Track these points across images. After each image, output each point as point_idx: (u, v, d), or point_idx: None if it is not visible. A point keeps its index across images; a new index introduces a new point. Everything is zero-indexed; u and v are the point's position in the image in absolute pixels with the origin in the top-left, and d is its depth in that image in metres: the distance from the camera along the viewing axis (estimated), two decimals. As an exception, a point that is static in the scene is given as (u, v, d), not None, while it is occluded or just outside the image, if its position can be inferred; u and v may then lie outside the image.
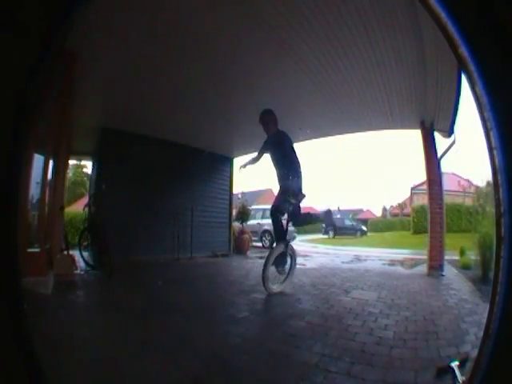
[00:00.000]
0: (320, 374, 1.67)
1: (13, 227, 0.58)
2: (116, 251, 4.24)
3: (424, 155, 5.19)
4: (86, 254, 4.85)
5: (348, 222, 17.11)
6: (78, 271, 4.31)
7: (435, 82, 3.82)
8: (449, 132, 4.92)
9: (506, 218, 0.49)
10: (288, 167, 3.76)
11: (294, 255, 3.89)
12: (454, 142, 4.95)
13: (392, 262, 6.80)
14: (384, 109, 4.92)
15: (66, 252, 4.16)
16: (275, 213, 3.90)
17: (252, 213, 9.33)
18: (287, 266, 3.77)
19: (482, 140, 0.52)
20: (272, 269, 3.58)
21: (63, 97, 3.43)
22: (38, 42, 0.56)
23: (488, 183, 5.39)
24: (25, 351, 0.57)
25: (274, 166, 3.88)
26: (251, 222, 9.11)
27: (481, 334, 0.52)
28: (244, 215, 8.43)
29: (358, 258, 7.63)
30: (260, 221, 9.79)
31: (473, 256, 4.72)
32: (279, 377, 1.70)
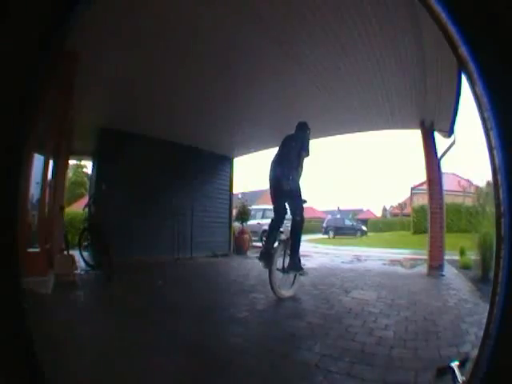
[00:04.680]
0: (320, 374, 1.67)
1: (13, 227, 0.58)
2: (116, 251, 4.24)
3: (424, 155, 5.19)
4: (85, 254, 4.85)
5: (348, 222, 17.16)
6: (78, 271, 4.31)
7: (435, 82, 3.82)
8: (449, 132, 4.93)
9: (506, 217, 0.49)
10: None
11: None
12: (454, 142, 4.95)
13: (392, 262, 6.80)
14: (384, 109, 4.92)
15: (66, 252, 4.16)
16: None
17: (252, 213, 9.33)
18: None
19: (482, 140, 0.52)
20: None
21: (63, 97, 3.42)
22: (38, 42, 0.56)
23: (488, 183, 5.40)
24: (25, 351, 0.57)
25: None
26: (251, 222, 9.11)
27: (481, 333, 0.52)
28: (244, 215, 8.42)
29: (357, 258, 7.63)
30: (260, 221, 9.79)
31: (473, 256, 4.72)
32: (279, 377, 1.70)
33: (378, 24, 3.03)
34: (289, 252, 3.52)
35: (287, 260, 3.51)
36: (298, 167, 3.53)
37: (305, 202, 3.63)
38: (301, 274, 3.57)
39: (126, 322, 2.45)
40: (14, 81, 0.55)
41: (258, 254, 5.82)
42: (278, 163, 3.60)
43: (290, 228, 3.61)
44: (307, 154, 3.63)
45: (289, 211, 3.64)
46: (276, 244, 3.58)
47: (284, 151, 3.64)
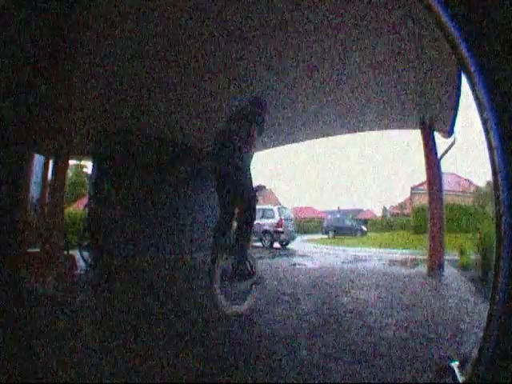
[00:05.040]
0: (320, 374, 1.67)
1: (13, 227, 0.58)
2: (116, 251, 4.25)
3: (424, 155, 5.20)
4: (85, 253, 4.85)
5: (348, 222, 17.19)
6: (78, 271, 4.31)
7: (435, 82, 3.83)
8: (449, 132, 4.93)
9: (506, 218, 0.49)
10: None
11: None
12: (453, 142, 4.96)
13: (392, 262, 6.80)
14: (384, 109, 4.92)
15: (66, 252, 4.17)
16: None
17: (252, 213, 9.31)
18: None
19: (482, 140, 0.52)
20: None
21: (63, 97, 3.42)
22: (39, 42, 0.56)
23: (488, 183, 5.40)
24: (25, 351, 0.57)
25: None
26: (251, 222, 9.09)
27: (481, 333, 0.52)
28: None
29: (357, 258, 7.63)
30: (260, 221, 9.80)
31: (473, 256, 4.73)
32: (279, 376, 1.70)
33: (377, 24, 3.03)
34: (234, 254, 2.72)
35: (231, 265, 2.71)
36: (248, 145, 2.79)
37: (263, 188, 2.93)
38: (255, 283, 2.80)
39: (126, 322, 2.45)
40: (15, 81, 0.55)
41: (257, 255, 5.49)
42: (221, 140, 2.79)
43: (236, 222, 2.83)
44: (260, 132, 2.92)
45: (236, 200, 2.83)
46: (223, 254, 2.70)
47: (231, 126, 2.86)
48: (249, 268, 2.78)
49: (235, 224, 2.87)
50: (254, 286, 2.81)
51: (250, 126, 2.83)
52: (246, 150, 2.78)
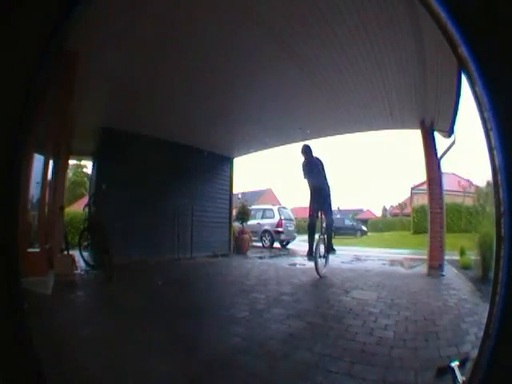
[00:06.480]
0: (320, 374, 1.67)
1: (13, 227, 0.58)
2: (116, 251, 4.24)
3: (424, 155, 5.19)
4: (85, 254, 4.85)
5: (348, 222, 17.11)
6: (78, 271, 4.30)
7: (435, 82, 3.82)
8: (449, 132, 4.92)
9: (506, 217, 0.49)
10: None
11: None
12: (454, 142, 4.95)
13: (392, 262, 6.79)
14: (384, 109, 4.92)
15: (66, 252, 4.16)
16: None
17: (252, 213, 9.32)
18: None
19: (482, 140, 0.52)
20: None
21: (63, 97, 3.42)
22: (38, 42, 0.56)
23: (488, 183, 5.40)
24: (25, 351, 0.57)
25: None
26: (251, 221, 9.10)
27: (481, 333, 0.52)
28: (244, 215, 8.42)
29: (358, 258, 7.62)
30: (260, 221, 9.79)
31: (473, 256, 4.72)
32: (279, 377, 1.70)
33: (378, 24, 3.03)
34: (326, 242, 4.96)
35: (323, 248, 4.92)
36: (328, 188, 5.10)
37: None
38: (333, 253, 5.16)
39: (126, 322, 2.45)
40: (15, 81, 0.55)
41: (260, 254, 7.07)
42: (317, 183, 4.96)
43: (325, 226, 4.99)
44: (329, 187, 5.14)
45: (322, 215, 5.00)
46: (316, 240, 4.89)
47: (316, 173, 5.01)
48: (332, 246, 5.09)
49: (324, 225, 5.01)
50: (327, 262, 4.97)
51: (326, 181, 5.08)
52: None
